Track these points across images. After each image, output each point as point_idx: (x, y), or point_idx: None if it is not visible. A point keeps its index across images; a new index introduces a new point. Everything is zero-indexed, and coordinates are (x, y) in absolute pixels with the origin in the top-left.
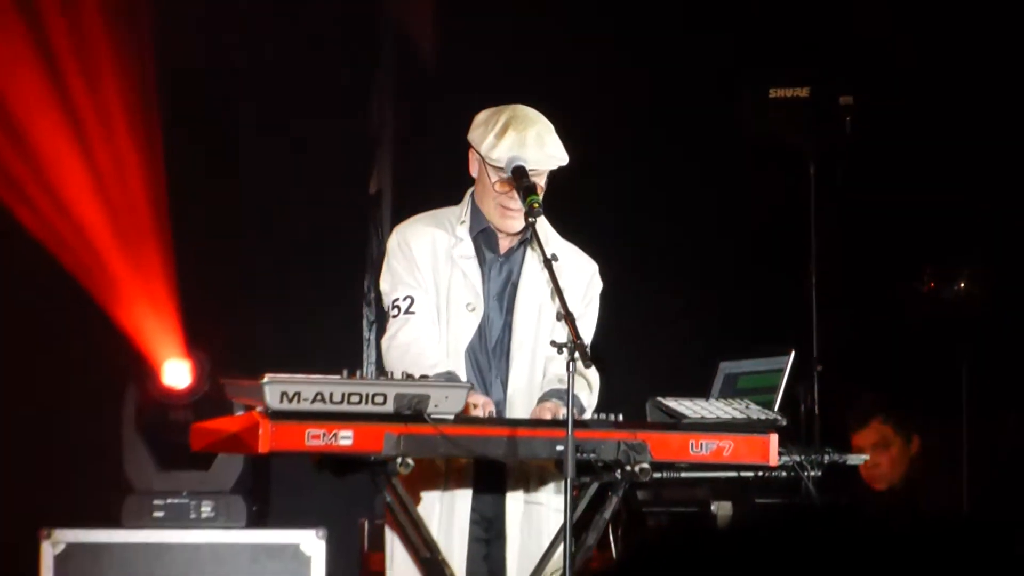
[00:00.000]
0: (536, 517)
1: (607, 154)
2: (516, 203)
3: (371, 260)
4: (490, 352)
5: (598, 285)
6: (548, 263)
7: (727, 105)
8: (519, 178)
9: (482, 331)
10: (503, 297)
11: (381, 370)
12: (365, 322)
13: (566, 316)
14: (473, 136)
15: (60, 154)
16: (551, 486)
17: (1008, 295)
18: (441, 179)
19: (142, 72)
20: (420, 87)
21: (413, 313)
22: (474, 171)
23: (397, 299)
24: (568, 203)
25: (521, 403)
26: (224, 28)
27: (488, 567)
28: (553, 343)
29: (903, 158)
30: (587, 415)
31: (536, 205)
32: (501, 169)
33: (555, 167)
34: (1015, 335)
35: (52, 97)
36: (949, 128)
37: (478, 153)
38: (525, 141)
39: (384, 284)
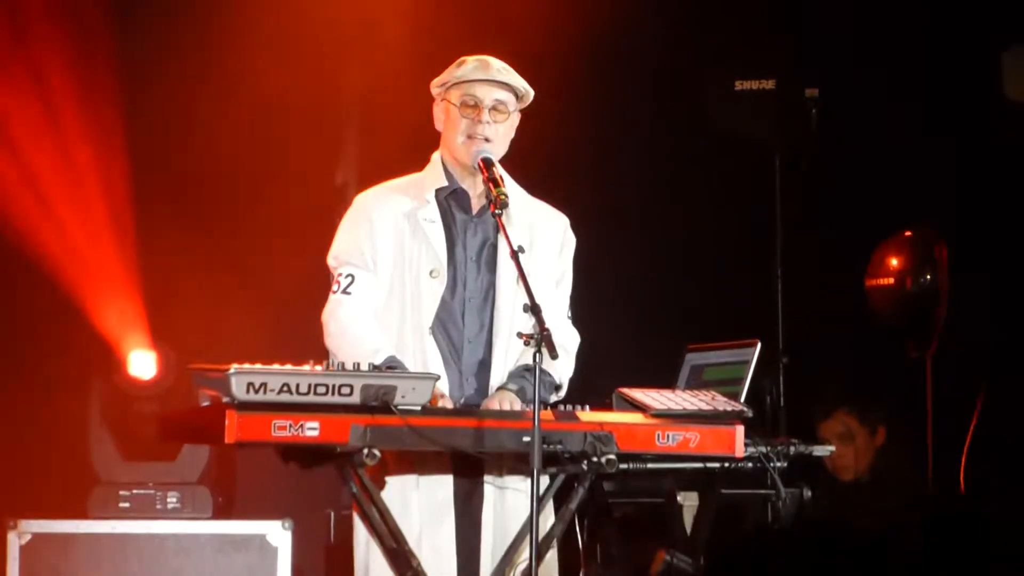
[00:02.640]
0: (510, 501)
1: (577, 142)
2: (484, 127)
3: None
4: (464, 317)
5: (572, 239)
6: (515, 255)
7: (694, 97)
8: (487, 168)
9: (451, 299)
10: (480, 258)
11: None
12: None
13: (532, 308)
14: (436, 82)
15: (25, 143)
16: (507, 469)
17: (971, 286)
18: (406, 170)
19: (103, 55)
20: (387, 77)
21: (349, 294)
22: (439, 123)
23: (341, 274)
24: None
25: (509, 362)
26: (189, 9)
27: (458, 547)
28: (520, 334)
29: (866, 151)
30: (564, 381)
31: (503, 197)
32: (464, 91)
33: (517, 85)
34: (979, 325)
35: (18, 84)
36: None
37: (441, 98)
38: (489, 64)
39: (331, 256)
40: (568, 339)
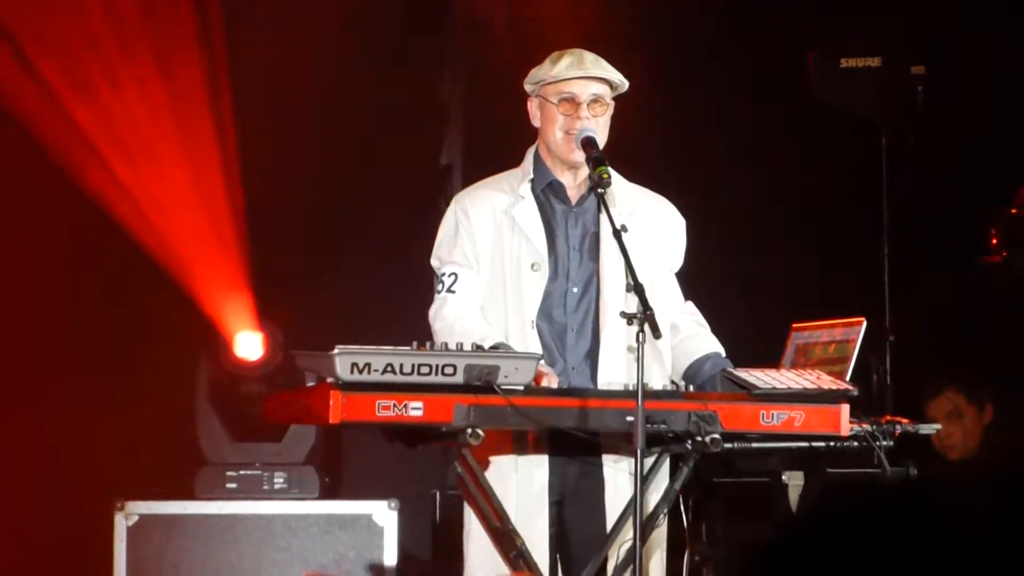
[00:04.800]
0: (612, 481)
1: (682, 119)
2: (583, 123)
3: None
4: (568, 308)
5: (682, 225)
6: (617, 234)
7: (800, 74)
8: (588, 147)
9: (554, 291)
10: (583, 248)
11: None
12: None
13: (635, 287)
14: (530, 78)
15: (135, 131)
16: (624, 451)
17: None
18: (511, 152)
19: (213, 46)
20: (493, 59)
21: (454, 292)
22: (535, 120)
23: (444, 274)
24: (637, 171)
25: (617, 351)
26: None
27: (556, 531)
28: (623, 314)
29: (976, 127)
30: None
31: (605, 176)
32: (561, 88)
33: (613, 79)
34: None
35: (126, 72)
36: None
37: (536, 94)
38: (583, 58)
39: (434, 258)
40: (700, 316)
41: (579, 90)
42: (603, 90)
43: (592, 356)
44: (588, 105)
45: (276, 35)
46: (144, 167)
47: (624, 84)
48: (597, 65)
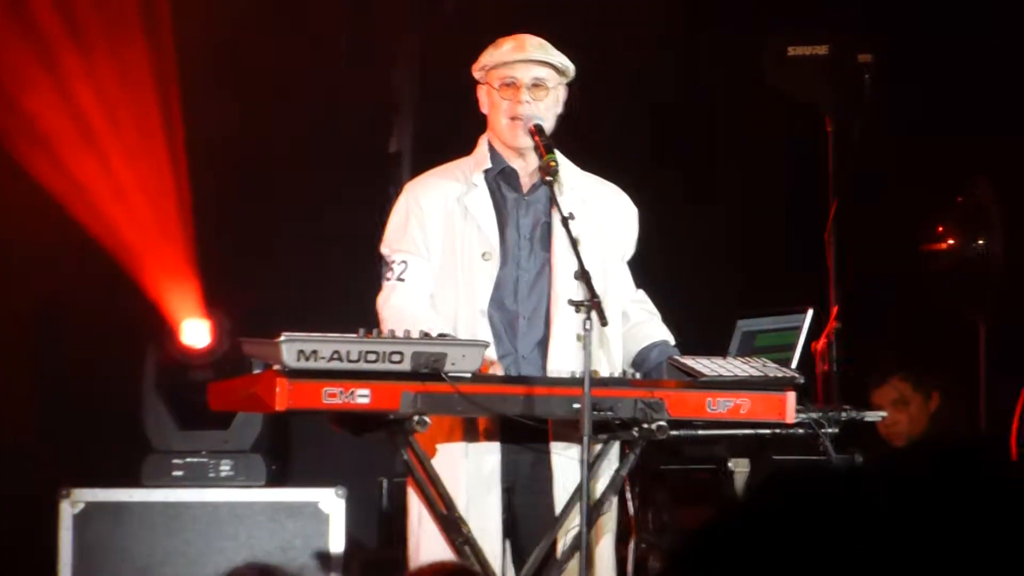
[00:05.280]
0: (561, 468)
1: (627, 106)
2: (524, 107)
3: None
4: (519, 297)
5: (634, 213)
6: (565, 221)
7: (748, 64)
8: (536, 135)
9: (505, 279)
10: (534, 237)
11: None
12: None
13: (582, 274)
14: (476, 65)
15: (80, 119)
16: (574, 438)
17: None
18: (460, 140)
19: (160, 34)
20: (443, 46)
21: (403, 280)
22: (484, 107)
23: (393, 262)
24: (585, 158)
25: (568, 339)
26: None
27: (507, 517)
28: (570, 301)
29: (923, 116)
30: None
31: (553, 164)
32: (503, 73)
33: (555, 62)
34: None
35: (71, 60)
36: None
37: (483, 80)
38: (525, 42)
39: (384, 245)
40: (650, 305)
41: (520, 74)
42: (546, 73)
43: (543, 344)
44: (529, 89)
45: (224, 23)
46: (89, 155)
47: (569, 68)
48: (540, 49)
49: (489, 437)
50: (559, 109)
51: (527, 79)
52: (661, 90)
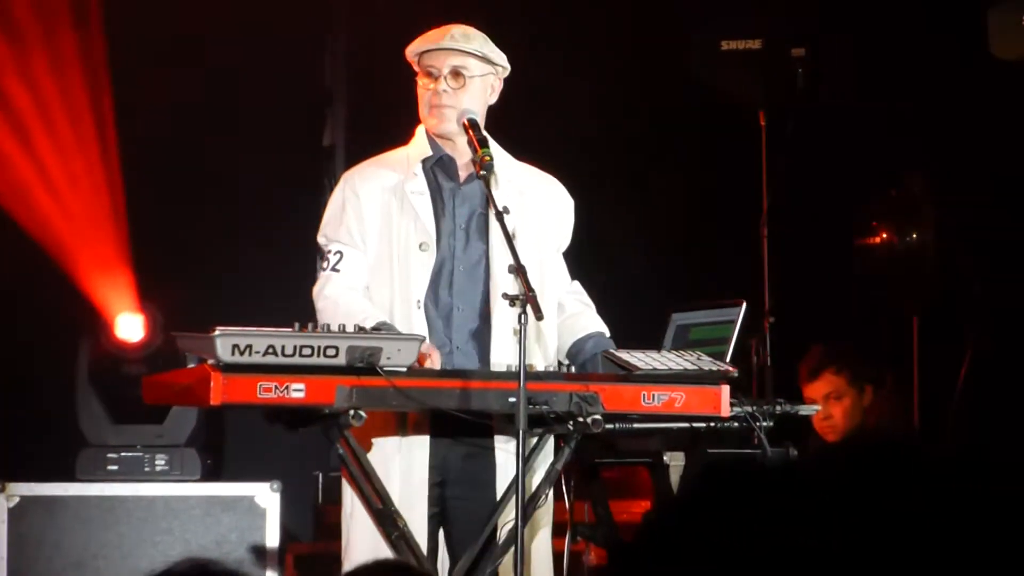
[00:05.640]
0: (491, 462)
1: (560, 103)
2: (441, 96)
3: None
4: (455, 288)
5: (570, 204)
6: (500, 216)
7: (679, 57)
8: (472, 129)
9: (441, 270)
10: (469, 227)
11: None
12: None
13: (517, 269)
14: (407, 54)
15: (9, 110)
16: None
17: (959, 245)
18: (394, 132)
19: (90, 23)
20: (375, 39)
21: (338, 271)
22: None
23: (329, 252)
24: (522, 149)
25: (507, 332)
26: None
27: (439, 512)
28: (505, 295)
29: (857, 109)
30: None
31: (488, 159)
32: (424, 62)
33: (472, 50)
34: (967, 281)
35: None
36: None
37: (415, 70)
38: (447, 32)
39: (320, 235)
40: (585, 296)
41: (439, 63)
42: (464, 61)
43: (480, 337)
44: (446, 78)
45: (157, 11)
46: (21, 149)
47: (492, 55)
48: (462, 38)
49: (419, 431)
50: (491, 99)
51: (445, 68)
52: (597, 82)
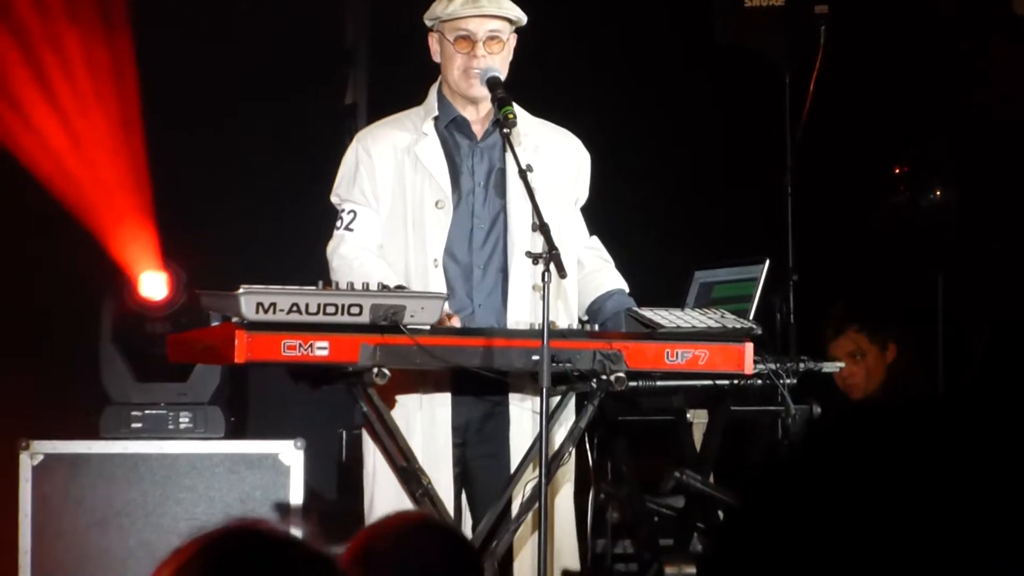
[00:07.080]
0: (507, 420)
1: (582, 62)
2: (480, 60)
3: None
4: (473, 245)
5: (587, 160)
6: (523, 174)
7: (702, 14)
8: (492, 88)
9: (459, 229)
10: (488, 184)
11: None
12: None
13: (541, 226)
14: (428, 14)
15: (36, 71)
16: (530, 390)
17: (983, 203)
18: (416, 90)
19: None
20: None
21: (352, 230)
22: (436, 55)
23: (343, 211)
24: (543, 106)
25: (525, 290)
26: None
27: (461, 470)
28: (528, 254)
29: (881, 67)
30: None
31: (511, 116)
32: (458, 26)
33: (511, 15)
34: (990, 243)
35: (27, 14)
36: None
37: (435, 30)
38: None
39: (333, 195)
40: (604, 252)
41: (475, 27)
42: (500, 26)
43: (499, 295)
44: (484, 43)
45: None
46: (45, 106)
47: (522, 19)
48: (493, 2)
49: (441, 389)
50: (511, 57)
51: (482, 33)
52: (617, 41)
